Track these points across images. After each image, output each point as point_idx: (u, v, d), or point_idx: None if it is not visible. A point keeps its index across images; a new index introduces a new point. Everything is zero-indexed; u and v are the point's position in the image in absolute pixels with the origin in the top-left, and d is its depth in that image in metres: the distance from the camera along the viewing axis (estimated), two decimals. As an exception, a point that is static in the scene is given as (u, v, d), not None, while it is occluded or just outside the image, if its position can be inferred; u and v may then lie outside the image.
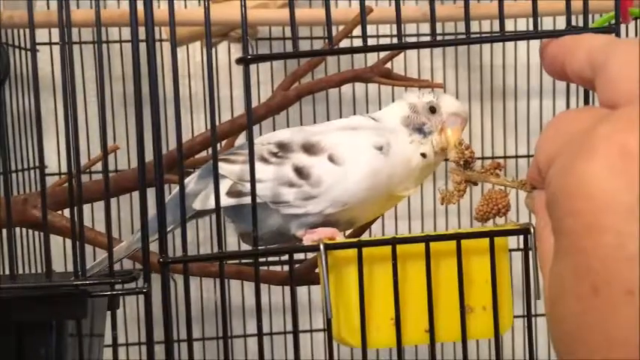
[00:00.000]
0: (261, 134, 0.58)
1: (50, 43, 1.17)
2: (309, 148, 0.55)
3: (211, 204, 0.54)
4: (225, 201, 0.53)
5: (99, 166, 1.12)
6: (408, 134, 0.56)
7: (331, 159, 0.54)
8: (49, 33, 1.16)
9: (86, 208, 1.04)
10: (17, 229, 1.00)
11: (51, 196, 0.72)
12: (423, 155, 0.56)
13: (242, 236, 0.58)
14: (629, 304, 0.23)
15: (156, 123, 0.39)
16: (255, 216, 0.42)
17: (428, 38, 0.41)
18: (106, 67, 1.19)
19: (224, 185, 0.54)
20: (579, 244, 0.24)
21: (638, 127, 0.23)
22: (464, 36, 0.40)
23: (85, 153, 1.11)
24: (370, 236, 0.97)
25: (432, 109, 0.57)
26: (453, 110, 0.57)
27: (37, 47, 1.17)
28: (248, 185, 0.53)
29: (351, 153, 0.54)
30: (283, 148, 0.55)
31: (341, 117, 0.63)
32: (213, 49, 1.13)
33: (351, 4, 1.19)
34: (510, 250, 0.47)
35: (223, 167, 0.53)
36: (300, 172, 0.54)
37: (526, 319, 0.45)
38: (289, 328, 1.18)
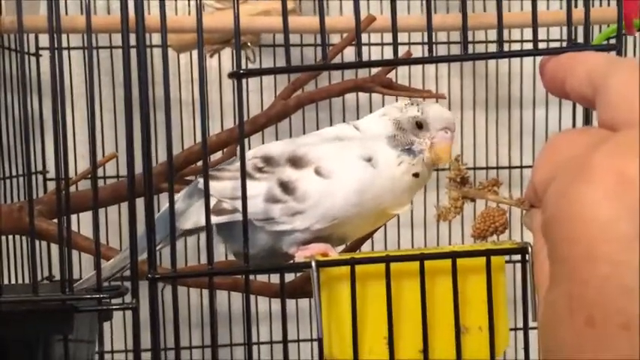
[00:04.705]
0: (263, 141, 0.57)
1: (55, 48, 1.16)
2: (296, 162, 0.52)
3: (198, 223, 0.52)
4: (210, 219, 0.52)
5: (106, 172, 1.12)
6: (397, 155, 0.53)
7: (318, 172, 0.52)
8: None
9: (87, 215, 1.03)
10: (17, 237, 0.99)
11: (47, 204, 0.71)
12: (416, 175, 0.53)
13: (236, 255, 0.56)
14: (625, 339, 0.22)
15: (145, 136, 0.39)
16: (246, 233, 0.41)
17: (434, 47, 0.40)
18: (109, 72, 1.19)
19: None
20: (574, 273, 0.23)
21: (637, 152, 0.23)
22: (470, 45, 0.40)
23: (86, 157, 1.10)
24: (372, 244, 0.97)
25: (419, 125, 0.53)
26: (442, 125, 0.53)
27: (41, 52, 1.17)
28: (231, 203, 0.52)
29: (339, 166, 0.52)
30: (269, 162, 0.53)
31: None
32: (217, 56, 1.12)
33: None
34: (512, 262, 0.46)
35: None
36: (285, 187, 0.52)
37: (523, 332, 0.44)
38: (290, 336, 1.17)
